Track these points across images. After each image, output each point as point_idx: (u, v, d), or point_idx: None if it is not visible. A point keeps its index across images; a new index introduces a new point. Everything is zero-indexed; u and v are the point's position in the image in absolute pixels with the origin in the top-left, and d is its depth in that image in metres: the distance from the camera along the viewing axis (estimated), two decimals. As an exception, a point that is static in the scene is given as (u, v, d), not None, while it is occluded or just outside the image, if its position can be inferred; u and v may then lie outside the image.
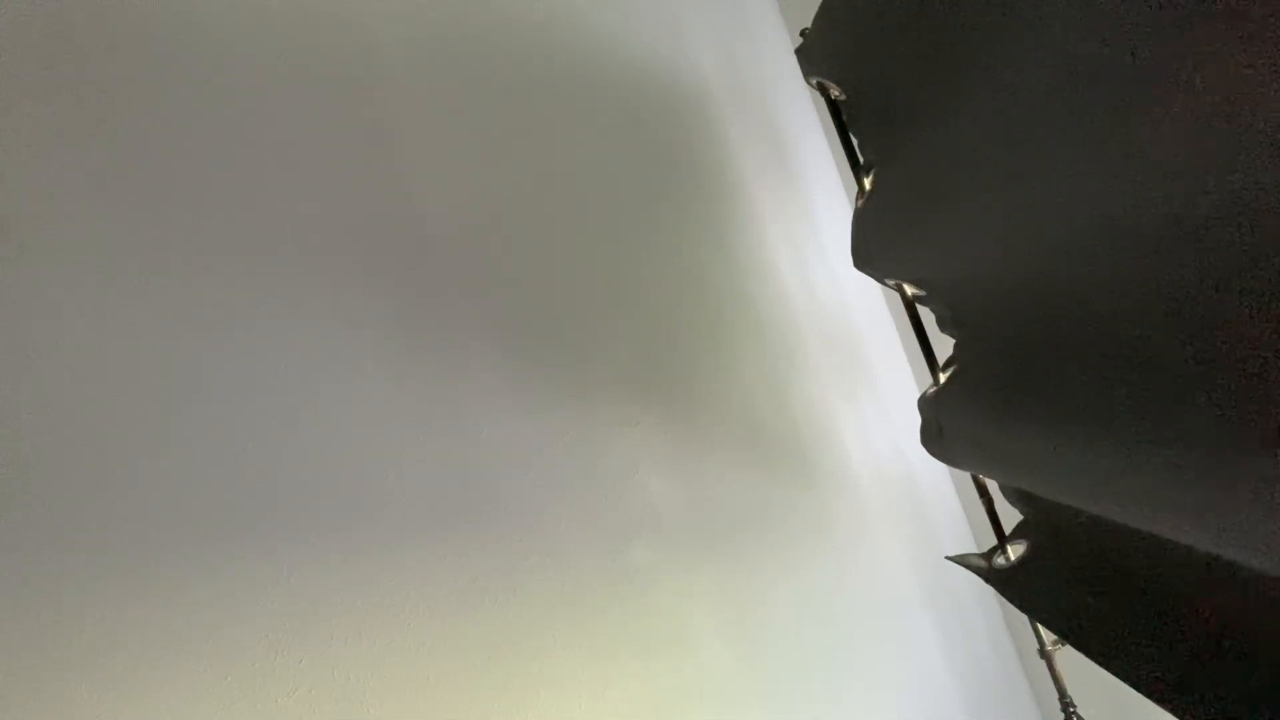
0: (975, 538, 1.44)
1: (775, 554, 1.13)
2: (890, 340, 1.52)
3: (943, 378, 0.97)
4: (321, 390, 0.82)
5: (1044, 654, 0.99)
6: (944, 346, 0.99)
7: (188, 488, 0.72)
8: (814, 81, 1.04)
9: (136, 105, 0.78)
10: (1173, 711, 0.63)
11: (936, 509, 1.42)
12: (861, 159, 1.00)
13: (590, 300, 1.07)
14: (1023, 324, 0.74)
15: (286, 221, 0.85)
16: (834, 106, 1.03)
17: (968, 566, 0.97)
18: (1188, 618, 0.65)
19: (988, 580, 0.94)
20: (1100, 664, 0.71)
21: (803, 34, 1.06)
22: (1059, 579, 0.84)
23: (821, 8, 0.97)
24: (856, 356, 1.41)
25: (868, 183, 0.95)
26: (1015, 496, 0.95)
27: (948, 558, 1.03)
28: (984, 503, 1.02)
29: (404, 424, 0.86)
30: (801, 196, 1.45)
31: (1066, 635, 0.79)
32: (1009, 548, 0.94)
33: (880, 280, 1.06)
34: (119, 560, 0.67)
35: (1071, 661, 0.89)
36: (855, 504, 1.27)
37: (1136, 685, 0.66)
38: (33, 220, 0.70)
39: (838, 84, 1.00)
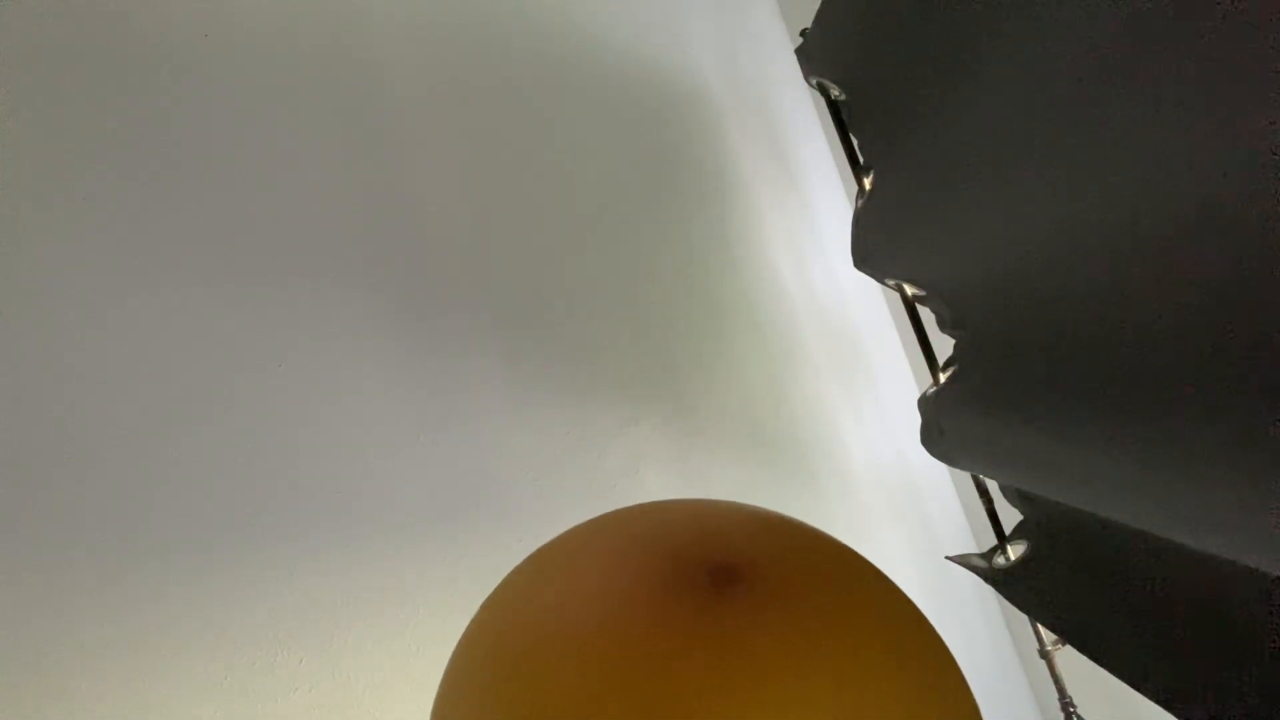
0: (975, 538, 1.44)
1: (775, 554, 1.12)
2: (890, 340, 1.52)
3: (943, 378, 0.97)
4: (321, 391, 0.82)
5: (1044, 654, 0.99)
6: (944, 346, 0.98)
7: (188, 488, 0.72)
8: (814, 81, 1.04)
9: (138, 109, 0.78)
10: (1173, 712, 0.63)
11: (936, 509, 1.42)
12: (861, 159, 1.00)
13: (590, 300, 1.07)
14: (1023, 324, 0.74)
15: (287, 225, 0.85)
16: (834, 106, 1.03)
17: (968, 566, 0.97)
18: (1188, 617, 0.65)
19: (988, 580, 0.93)
20: (1100, 664, 0.71)
21: (803, 34, 1.06)
22: (1059, 579, 0.84)
23: (821, 8, 0.97)
24: (856, 357, 1.41)
25: (868, 183, 0.95)
26: (1015, 496, 0.95)
27: (948, 558, 1.03)
28: (984, 503, 1.02)
29: (404, 424, 0.86)
30: (801, 196, 1.45)
31: (1066, 635, 0.79)
32: (1009, 548, 0.94)
33: (880, 280, 1.06)
34: (119, 560, 0.67)
35: (1071, 661, 0.89)
36: (855, 503, 1.27)
37: (1136, 685, 0.66)
38: (35, 222, 0.70)
39: (838, 84, 1.00)
